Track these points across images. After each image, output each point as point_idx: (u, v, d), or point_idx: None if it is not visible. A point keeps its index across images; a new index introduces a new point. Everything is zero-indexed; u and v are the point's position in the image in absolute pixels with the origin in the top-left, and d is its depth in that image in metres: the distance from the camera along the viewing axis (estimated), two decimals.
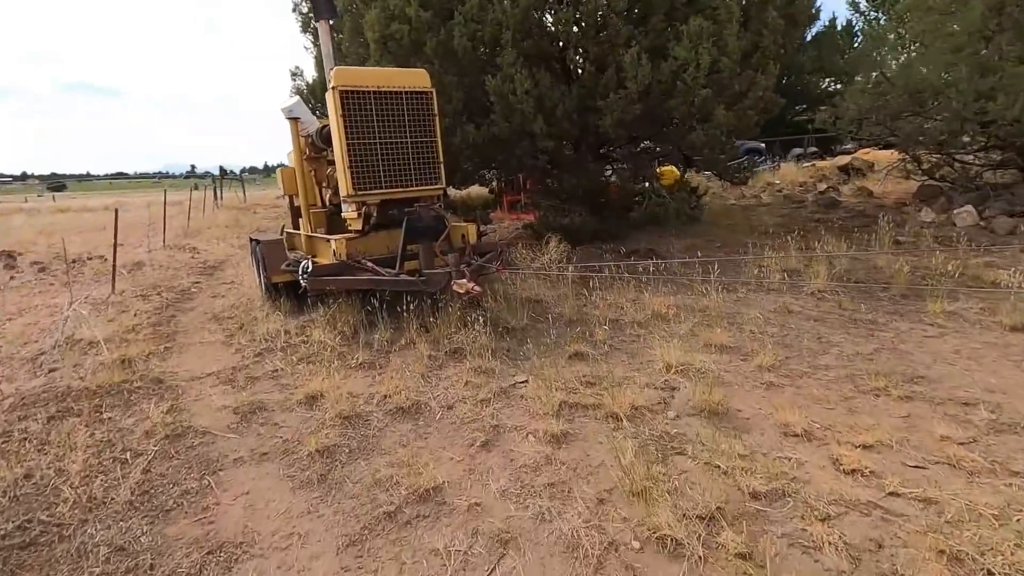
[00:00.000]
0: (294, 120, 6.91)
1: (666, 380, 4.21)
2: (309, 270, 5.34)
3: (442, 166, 6.09)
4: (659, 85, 7.52)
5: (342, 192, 5.76)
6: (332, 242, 5.68)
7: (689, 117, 7.73)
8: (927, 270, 6.42)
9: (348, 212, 6.18)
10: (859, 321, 5.26)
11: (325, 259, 6.20)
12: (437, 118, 6.05)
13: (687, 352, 4.61)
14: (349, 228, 6.36)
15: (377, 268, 5.36)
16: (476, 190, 15.43)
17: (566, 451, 3.28)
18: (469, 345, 4.87)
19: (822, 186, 13.95)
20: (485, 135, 8.44)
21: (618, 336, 5.16)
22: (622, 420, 3.60)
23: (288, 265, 5.92)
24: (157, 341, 5.53)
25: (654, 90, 7.55)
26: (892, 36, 11.70)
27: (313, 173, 7.36)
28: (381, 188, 5.73)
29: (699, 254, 7.26)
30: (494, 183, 11.64)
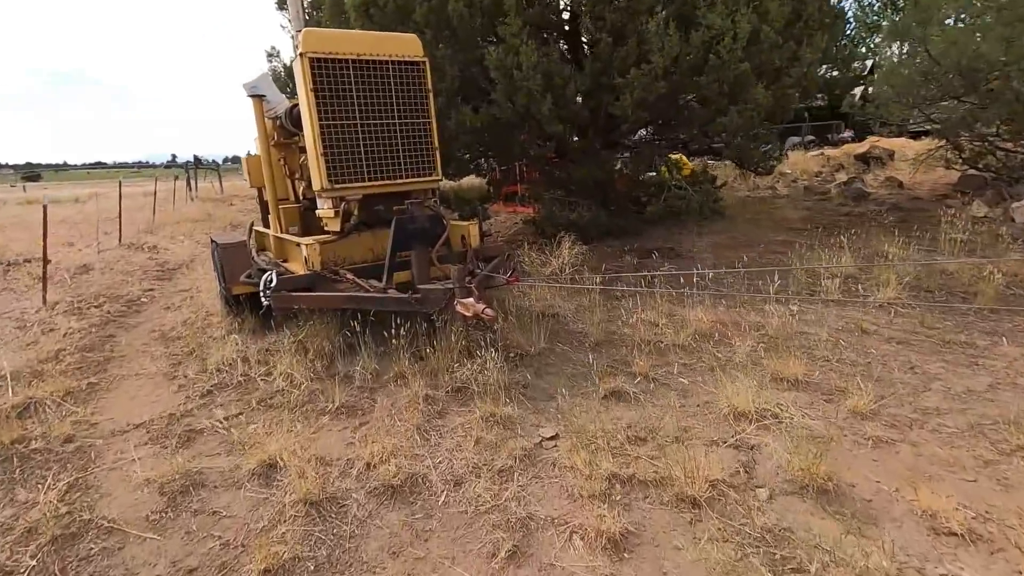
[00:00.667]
0: (258, 98, 5.76)
1: (739, 434, 3.21)
2: (273, 284, 4.24)
3: (437, 153, 5.02)
4: (687, 59, 6.46)
5: (315, 185, 4.67)
6: (303, 248, 4.59)
7: (721, 96, 6.69)
8: (1010, 276, 5.47)
9: (324, 210, 5.09)
10: (952, 344, 4.30)
11: (297, 265, 5.10)
12: (431, 94, 4.96)
13: (755, 390, 3.61)
14: (326, 228, 5.29)
15: (359, 281, 4.29)
16: (469, 181, 14.33)
17: (632, 566, 2.26)
18: (476, 380, 3.83)
19: (841, 176, 13.02)
20: (484, 119, 7.34)
21: (661, 365, 4.14)
22: (700, 506, 2.59)
23: (249, 276, 4.81)
24: (82, 374, 4.41)
25: (681, 65, 6.49)
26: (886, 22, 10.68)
27: (283, 162, 6.23)
28: (363, 180, 4.65)
29: (744, 259, 6.25)
30: (493, 173, 10.56)
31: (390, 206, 4.64)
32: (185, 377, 4.29)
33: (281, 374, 4.18)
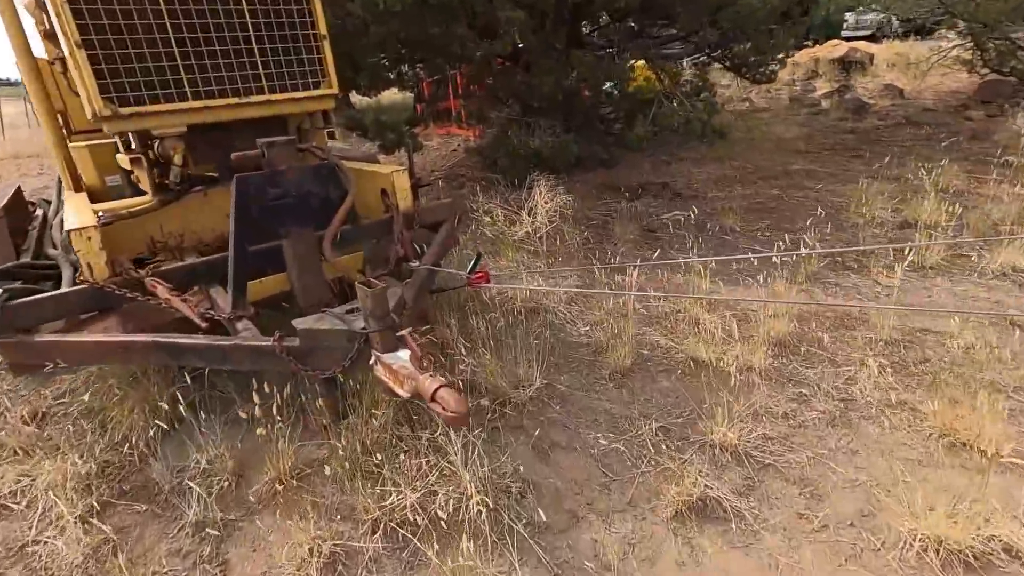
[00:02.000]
0: None
1: None
2: None
3: (327, 46, 2.83)
4: None
5: (86, 108, 2.43)
6: (70, 236, 2.34)
7: None
8: None
9: (122, 155, 2.87)
10: None
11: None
12: None
13: (934, 474, 2.00)
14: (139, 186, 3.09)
15: (183, 304, 2.17)
16: (391, 97, 11.69)
17: None
18: (430, 497, 1.97)
19: (822, 85, 11.47)
20: (406, 1, 4.95)
21: (747, 421, 2.40)
22: None
23: None
24: None
25: None
26: None
27: (62, 66, 3.71)
28: (182, 97, 2.49)
29: (769, 197, 4.51)
30: (421, 85, 8.10)
31: (251, 144, 2.44)
32: None
33: (38, 497, 2.12)
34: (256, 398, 2.02)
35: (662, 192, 5.74)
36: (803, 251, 3.02)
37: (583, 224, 4.84)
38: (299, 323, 1.90)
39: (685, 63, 11.13)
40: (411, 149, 3.83)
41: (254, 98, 2.66)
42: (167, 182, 2.71)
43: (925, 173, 4.55)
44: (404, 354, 1.74)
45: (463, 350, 2.68)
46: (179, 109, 2.50)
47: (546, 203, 4.28)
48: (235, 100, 2.61)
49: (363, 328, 1.78)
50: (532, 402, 2.59)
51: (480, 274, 2.44)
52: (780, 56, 7.14)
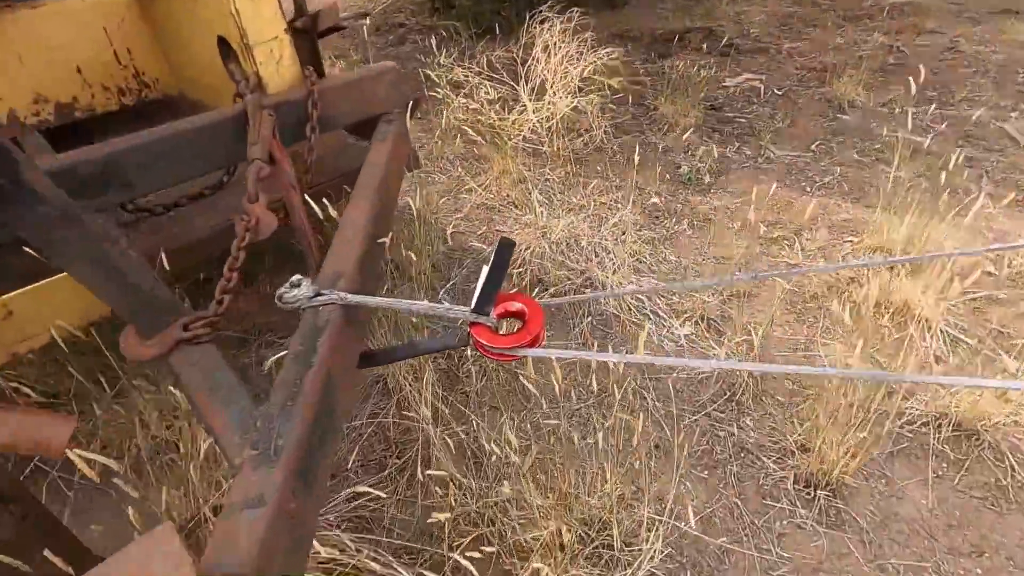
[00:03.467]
0: None
1: None
2: None
3: None
4: None
5: None
6: None
7: None
8: None
9: None
10: None
11: None
12: None
13: None
14: None
15: None
16: None
17: None
18: None
19: None
20: None
21: None
22: None
23: None
24: None
25: None
26: None
27: None
28: None
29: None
30: None
31: None
32: None
33: None
34: None
35: (707, 43, 3.83)
36: None
37: (601, 95, 2.98)
38: None
39: None
40: None
41: None
42: None
43: None
44: None
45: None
46: None
47: (566, 65, 2.38)
48: None
49: None
50: None
51: (526, 314, 0.71)
52: None
